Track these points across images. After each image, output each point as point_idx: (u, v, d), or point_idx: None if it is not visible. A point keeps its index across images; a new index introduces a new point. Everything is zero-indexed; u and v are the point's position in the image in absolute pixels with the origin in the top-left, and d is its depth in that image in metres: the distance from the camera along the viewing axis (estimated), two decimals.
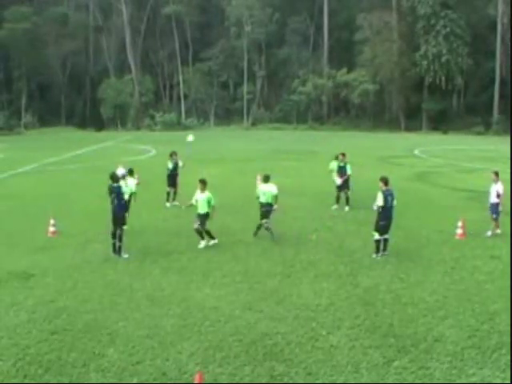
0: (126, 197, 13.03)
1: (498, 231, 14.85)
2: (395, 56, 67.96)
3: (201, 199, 13.58)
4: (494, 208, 14.84)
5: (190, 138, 19.55)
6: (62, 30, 79.54)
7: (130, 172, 16.70)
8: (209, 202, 13.54)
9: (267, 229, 14.35)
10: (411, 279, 11.14)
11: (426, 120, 69.16)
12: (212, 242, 13.77)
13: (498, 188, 14.81)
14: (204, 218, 13.58)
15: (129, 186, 15.10)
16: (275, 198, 14.42)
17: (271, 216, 14.44)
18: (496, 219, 14.86)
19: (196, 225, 13.58)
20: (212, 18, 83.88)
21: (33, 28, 72.90)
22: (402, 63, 68.03)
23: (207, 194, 13.60)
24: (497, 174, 15.00)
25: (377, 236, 12.58)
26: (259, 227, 14.58)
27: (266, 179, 14.64)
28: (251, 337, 8.51)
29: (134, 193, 16.06)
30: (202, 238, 13.62)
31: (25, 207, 19.19)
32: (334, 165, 19.00)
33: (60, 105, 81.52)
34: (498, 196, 14.76)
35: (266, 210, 14.37)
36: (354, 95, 69.89)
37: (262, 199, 14.45)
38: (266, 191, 14.42)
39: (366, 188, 21.40)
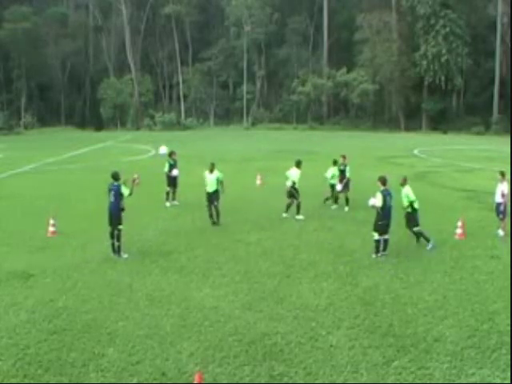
0: (127, 192, 12.75)
1: (499, 232, 14.75)
2: (395, 56, 67.97)
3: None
4: (498, 208, 14.85)
5: (163, 149, 19.42)
6: (62, 30, 79.75)
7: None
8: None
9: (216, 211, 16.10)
10: (411, 279, 11.14)
11: (426, 120, 69.17)
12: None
13: (503, 188, 14.75)
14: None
15: None
16: (221, 183, 16.26)
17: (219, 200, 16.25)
18: (502, 219, 14.81)
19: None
20: (212, 18, 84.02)
21: (32, 28, 73.01)
22: (401, 63, 68.05)
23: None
24: (503, 173, 14.94)
25: (376, 236, 12.59)
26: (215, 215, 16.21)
27: (212, 167, 16.26)
28: (251, 337, 8.51)
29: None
30: None
31: (24, 207, 19.19)
32: (331, 172, 18.56)
33: (60, 105, 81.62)
34: (503, 196, 14.68)
35: (212, 195, 16.12)
36: (354, 95, 69.91)
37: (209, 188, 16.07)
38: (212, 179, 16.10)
39: (365, 188, 21.42)
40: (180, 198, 19.70)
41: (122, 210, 12.91)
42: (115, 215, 12.78)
